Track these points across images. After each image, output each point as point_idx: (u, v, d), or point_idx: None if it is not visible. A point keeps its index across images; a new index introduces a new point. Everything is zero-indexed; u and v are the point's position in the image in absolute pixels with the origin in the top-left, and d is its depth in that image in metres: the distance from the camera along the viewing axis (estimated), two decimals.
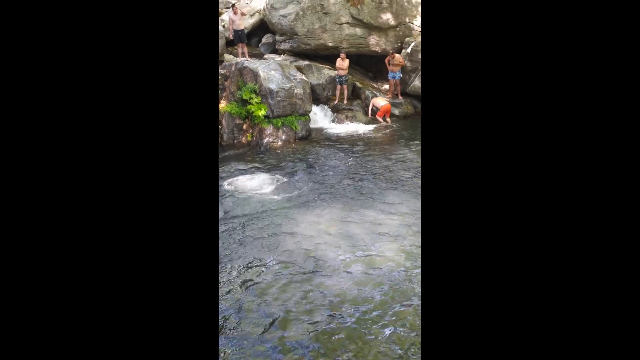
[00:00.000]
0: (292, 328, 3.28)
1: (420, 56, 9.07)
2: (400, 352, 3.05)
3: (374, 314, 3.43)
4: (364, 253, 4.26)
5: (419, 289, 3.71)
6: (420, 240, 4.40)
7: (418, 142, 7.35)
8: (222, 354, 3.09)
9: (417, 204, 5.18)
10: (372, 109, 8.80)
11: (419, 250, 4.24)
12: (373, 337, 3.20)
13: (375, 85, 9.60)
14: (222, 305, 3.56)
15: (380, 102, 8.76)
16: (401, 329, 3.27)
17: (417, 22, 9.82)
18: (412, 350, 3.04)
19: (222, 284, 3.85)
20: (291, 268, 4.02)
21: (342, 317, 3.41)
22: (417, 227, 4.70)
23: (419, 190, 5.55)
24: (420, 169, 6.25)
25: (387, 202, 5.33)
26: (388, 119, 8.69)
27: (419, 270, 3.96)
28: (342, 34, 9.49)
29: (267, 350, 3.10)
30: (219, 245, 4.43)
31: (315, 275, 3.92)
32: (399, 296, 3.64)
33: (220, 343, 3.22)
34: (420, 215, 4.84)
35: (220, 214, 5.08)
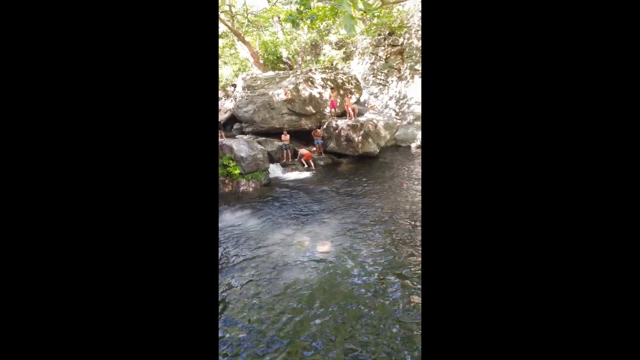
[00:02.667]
0: (267, 292, 3.33)
1: (331, 129, 9.68)
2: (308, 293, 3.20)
3: (312, 284, 3.57)
4: (309, 252, 4.37)
5: (343, 270, 3.90)
6: (341, 239, 4.66)
7: (336, 179, 7.71)
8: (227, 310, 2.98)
9: (339, 217, 5.39)
10: (299, 156, 9.12)
11: (342, 245, 4.49)
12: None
13: (307, 148, 10.07)
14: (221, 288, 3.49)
15: (304, 151, 9.09)
16: (326, 287, 3.45)
17: (327, 110, 10.51)
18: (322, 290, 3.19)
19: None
20: (264, 264, 4.04)
21: (297, 289, 3.50)
22: (341, 231, 4.89)
23: (339, 208, 5.83)
24: (334, 195, 6.57)
25: (322, 217, 5.46)
26: (312, 164, 8.88)
27: (341, 255, 4.17)
28: (284, 120, 9.92)
29: (264, 307, 3.10)
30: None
31: (281, 268, 3.97)
32: (328, 272, 3.81)
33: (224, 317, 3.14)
34: (340, 224, 5.13)
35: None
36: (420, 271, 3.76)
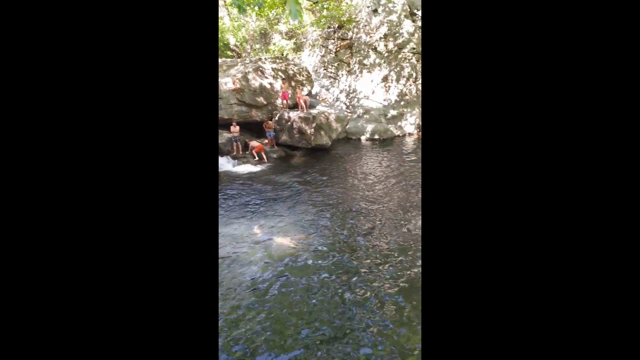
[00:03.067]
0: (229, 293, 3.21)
1: (283, 121, 9.55)
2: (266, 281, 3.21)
3: (269, 279, 3.56)
4: (263, 246, 4.29)
5: (300, 262, 3.93)
6: (297, 231, 4.68)
7: (290, 172, 7.65)
8: None
9: (294, 210, 5.38)
10: (250, 148, 8.86)
11: (298, 237, 4.51)
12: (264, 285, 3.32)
13: (259, 141, 9.79)
14: None
15: (255, 143, 8.84)
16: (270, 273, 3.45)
17: (278, 102, 10.32)
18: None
19: None
20: (220, 262, 3.88)
21: (258, 283, 3.43)
22: (297, 223, 4.89)
23: (291, 200, 5.83)
24: (288, 187, 6.55)
25: (277, 210, 5.39)
26: (265, 157, 8.68)
27: (298, 247, 4.20)
28: (233, 110, 9.46)
29: None
30: None
31: (234, 265, 3.85)
32: (285, 266, 3.82)
33: None
34: (295, 217, 5.14)
35: None
36: (377, 260, 3.96)
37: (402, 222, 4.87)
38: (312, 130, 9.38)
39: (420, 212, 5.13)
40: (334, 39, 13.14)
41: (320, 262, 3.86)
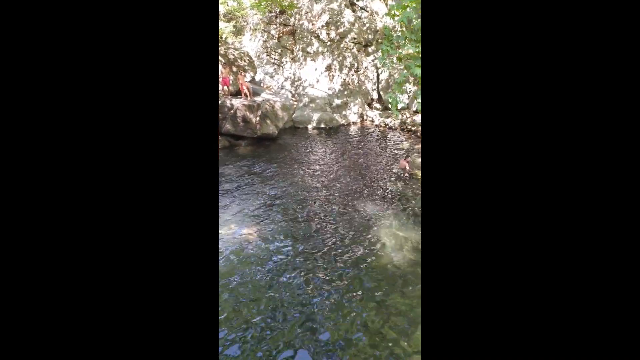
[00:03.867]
0: None
1: (225, 109, 8.99)
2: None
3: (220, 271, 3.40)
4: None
5: (246, 255, 3.81)
6: (244, 223, 4.51)
7: (235, 162, 7.29)
8: None
9: (241, 201, 5.18)
10: None
11: (245, 229, 4.35)
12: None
13: None
14: None
15: None
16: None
17: (219, 88, 9.66)
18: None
19: None
20: None
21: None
22: (244, 214, 4.72)
23: (239, 191, 5.58)
24: (235, 178, 6.27)
25: (222, 203, 5.15)
26: None
27: (245, 239, 4.06)
28: None
29: None
30: None
31: None
32: (234, 258, 3.67)
33: None
34: (242, 208, 4.94)
35: None
36: (328, 246, 4.04)
37: (350, 207, 5.06)
38: (258, 119, 9.04)
39: (366, 197, 5.39)
40: (276, 24, 12.68)
41: (269, 251, 3.80)
